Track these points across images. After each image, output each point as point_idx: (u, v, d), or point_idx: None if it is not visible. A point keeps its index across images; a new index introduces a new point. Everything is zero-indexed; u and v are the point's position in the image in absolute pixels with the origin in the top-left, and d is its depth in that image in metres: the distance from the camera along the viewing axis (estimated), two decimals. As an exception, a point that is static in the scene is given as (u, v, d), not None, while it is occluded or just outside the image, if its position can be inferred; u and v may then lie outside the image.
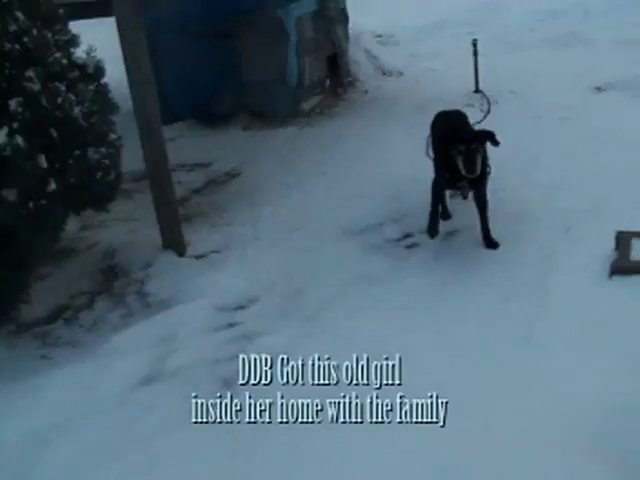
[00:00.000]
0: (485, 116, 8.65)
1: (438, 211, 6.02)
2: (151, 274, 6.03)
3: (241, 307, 5.50)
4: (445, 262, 5.83)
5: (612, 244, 5.46)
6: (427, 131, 8.47)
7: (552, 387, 4.15)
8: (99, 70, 5.39)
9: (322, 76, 9.97)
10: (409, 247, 6.15)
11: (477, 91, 9.66)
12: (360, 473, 3.77)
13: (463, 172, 5.49)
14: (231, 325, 5.27)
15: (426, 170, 7.34)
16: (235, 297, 5.60)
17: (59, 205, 4.85)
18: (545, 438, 3.79)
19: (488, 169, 5.80)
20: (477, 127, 6.47)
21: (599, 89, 9.61)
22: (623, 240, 5.21)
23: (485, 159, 5.70)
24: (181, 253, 6.23)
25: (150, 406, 4.48)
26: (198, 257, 6.26)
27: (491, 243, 5.84)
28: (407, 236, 6.33)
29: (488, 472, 3.61)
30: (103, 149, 5.14)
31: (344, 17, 10.68)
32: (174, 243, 6.20)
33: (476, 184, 5.74)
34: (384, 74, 11.20)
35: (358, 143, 8.44)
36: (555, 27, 13.20)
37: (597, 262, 5.31)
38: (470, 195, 5.87)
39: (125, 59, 5.61)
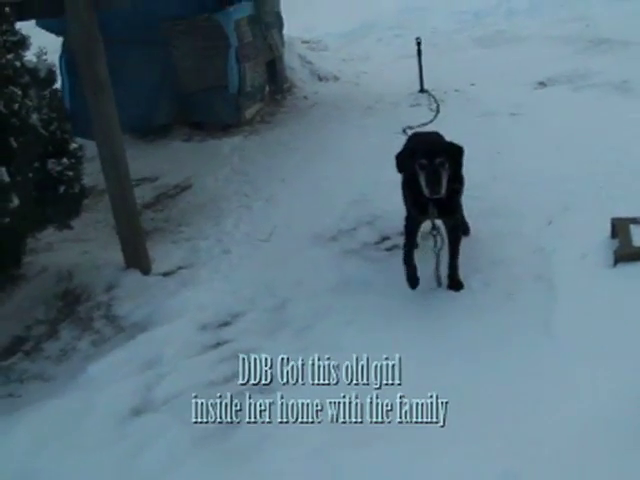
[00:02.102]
0: (436, 115, 8.53)
1: (412, 255, 5.07)
2: (117, 296, 5.56)
3: (225, 324, 5.10)
4: (431, 262, 5.53)
5: (600, 233, 5.32)
6: (380, 133, 8.38)
7: (579, 380, 3.90)
8: (51, 75, 4.88)
9: (262, 82, 9.61)
10: (389, 250, 5.86)
11: (422, 91, 9.49)
12: None
13: (425, 192, 4.66)
14: (219, 344, 4.85)
15: (388, 172, 7.17)
16: (216, 314, 5.18)
17: (22, 223, 4.32)
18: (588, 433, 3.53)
19: (458, 193, 4.99)
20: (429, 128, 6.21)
21: (542, 84, 9.64)
22: (621, 227, 5.04)
23: (456, 180, 4.87)
24: (146, 271, 5.78)
25: (148, 439, 4.01)
26: (165, 274, 5.82)
27: (455, 284, 5.03)
28: (385, 239, 6.05)
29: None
30: (65, 160, 4.63)
31: (279, 22, 10.36)
32: (138, 261, 5.74)
33: (445, 211, 4.88)
34: (320, 79, 10.96)
35: (311, 149, 8.13)
36: (481, 27, 13.34)
37: (594, 251, 5.14)
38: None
39: (79, 65, 5.13)
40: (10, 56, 4.44)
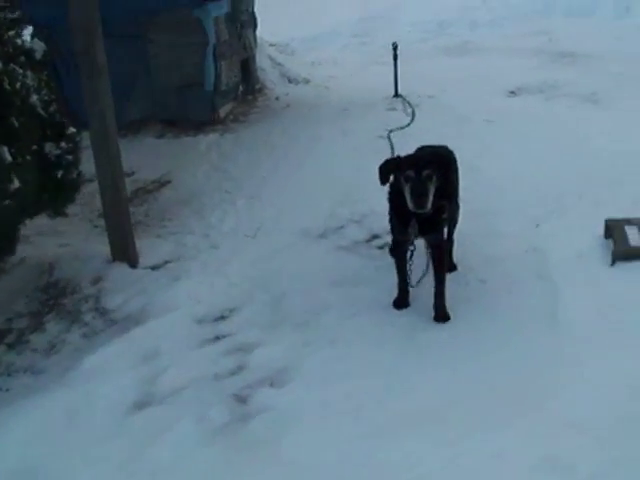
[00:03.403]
0: (412, 120, 8.54)
1: (405, 277, 4.77)
2: (106, 288, 5.38)
3: (222, 318, 4.98)
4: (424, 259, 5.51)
5: (591, 234, 5.40)
6: (359, 135, 8.34)
7: (595, 375, 3.89)
8: (47, 56, 4.69)
9: (237, 81, 9.48)
10: (381, 248, 5.80)
11: (397, 95, 9.50)
12: None
13: (410, 205, 4.29)
14: (219, 338, 4.73)
15: (371, 173, 7.14)
16: (212, 308, 5.06)
17: (20, 207, 4.13)
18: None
19: (445, 214, 4.60)
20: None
21: (513, 93, 9.74)
22: (616, 227, 5.10)
23: (446, 195, 4.51)
24: (133, 264, 5.61)
25: (155, 433, 3.87)
26: (154, 268, 5.65)
27: (441, 314, 4.69)
28: (375, 237, 6.00)
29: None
30: (63, 144, 4.45)
31: (254, 21, 10.26)
32: (125, 253, 5.58)
33: (427, 228, 4.53)
34: (290, 81, 10.88)
35: (290, 148, 8.04)
36: (445, 37, 13.47)
37: (589, 251, 5.19)
38: None
39: (77, 47, 4.96)
40: (12, 33, 4.24)
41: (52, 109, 4.43)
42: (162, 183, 7.38)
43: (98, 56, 4.98)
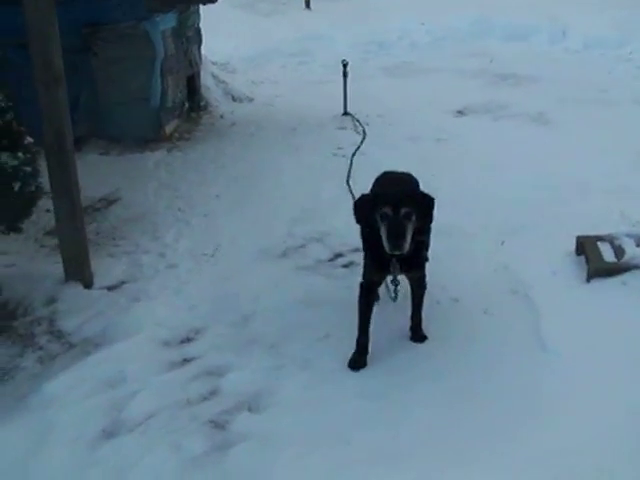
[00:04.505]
0: (363, 138, 8.48)
1: (367, 328, 4.33)
2: (60, 310, 5.07)
3: (188, 340, 4.74)
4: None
5: (561, 251, 5.41)
6: (312, 153, 8.22)
7: (586, 396, 3.83)
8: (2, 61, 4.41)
9: (182, 98, 9.24)
10: (346, 266, 5.67)
11: (346, 114, 9.42)
12: None
13: (385, 246, 3.96)
14: (187, 360, 4.48)
15: (326, 191, 7.03)
16: (176, 329, 4.81)
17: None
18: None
19: (425, 252, 4.40)
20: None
21: (461, 113, 9.78)
22: (588, 244, 5.09)
23: (422, 232, 4.24)
24: (88, 285, 5.31)
25: (127, 464, 3.61)
26: (110, 289, 5.36)
27: (418, 337, 4.54)
28: (338, 256, 5.86)
29: None
30: (20, 154, 4.16)
31: (199, 38, 10.04)
32: (80, 273, 5.29)
33: (409, 267, 4.28)
34: (234, 99, 10.71)
35: (241, 167, 7.87)
36: (386, 57, 13.55)
37: (563, 268, 5.19)
38: None
39: (33, 55, 4.69)
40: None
41: (8, 117, 4.12)
42: (110, 201, 7.07)
43: (56, 64, 4.71)
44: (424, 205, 4.08)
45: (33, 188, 4.26)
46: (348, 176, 7.21)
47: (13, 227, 4.49)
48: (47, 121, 4.79)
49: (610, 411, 3.65)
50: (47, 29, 4.65)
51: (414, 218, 3.96)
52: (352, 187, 6.77)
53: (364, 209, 4.13)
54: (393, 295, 4.31)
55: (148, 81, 8.29)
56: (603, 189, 6.59)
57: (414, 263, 4.27)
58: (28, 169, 4.17)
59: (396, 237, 3.90)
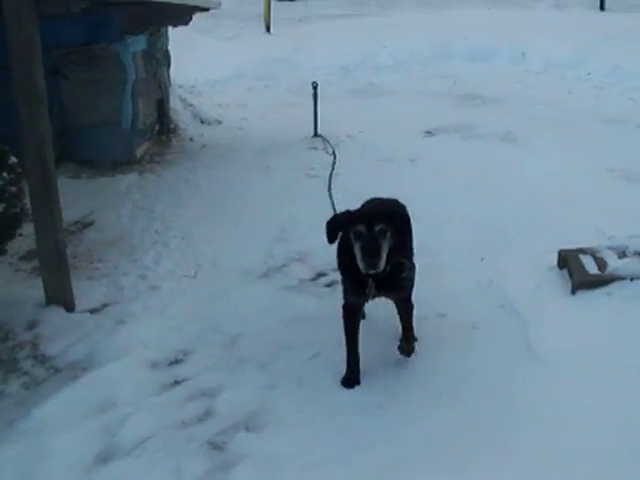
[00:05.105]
0: (334, 160, 8.50)
1: (356, 349, 4.28)
2: (43, 334, 4.96)
3: (177, 361, 4.67)
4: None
5: (542, 265, 5.46)
6: (284, 174, 8.22)
7: (586, 409, 3.85)
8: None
9: (153, 121, 9.18)
10: (329, 285, 5.66)
11: (316, 135, 9.45)
12: None
13: (360, 265, 3.84)
14: (178, 382, 4.42)
15: (302, 211, 7.01)
16: (164, 351, 4.75)
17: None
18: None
19: (405, 273, 4.16)
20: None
21: (429, 133, 9.87)
22: (571, 257, 5.16)
23: (403, 253, 4.13)
24: (70, 308, 5.21)
25: (126, 489, 3.51)
26: (93, 312, 5.27)
27: (406, 350, 4.48)
28: (320, 275, 5.85)
29: None
30: (5, 174, 4.09)
31: (168, 60, 10.01)
32: (62, 296, 5.20)
33: (389, 289, 4.16)
34: (202, 122, 10.67)
35: (216, 188, 7.85)
36: (351, 80, 13.66)
37: (546, 282, 5.23)
38: None
39: (15, 74, 4.63)
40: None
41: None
42: (85, 224, 6.96)
43: (38, 84, 4.66)
44: (399, 222, 4.00)
45: (18, 209, 4.16)
46: (331, 198, 7.12)
47: (-3, 250, 4.39)
48: (28, 142, 4.71)
49: (599, 420, 3.66)
50: (30, 48, 4.60)
51: (389, 235, 3.85)
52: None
53: (336, 229, 4.01)
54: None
55: (119, 103, 8.22)
56: (577, 205, 6.70)
57: (395, 285, 4.14)
58: (13, 189, 4.08)
59: (371, 255, 3.76)
